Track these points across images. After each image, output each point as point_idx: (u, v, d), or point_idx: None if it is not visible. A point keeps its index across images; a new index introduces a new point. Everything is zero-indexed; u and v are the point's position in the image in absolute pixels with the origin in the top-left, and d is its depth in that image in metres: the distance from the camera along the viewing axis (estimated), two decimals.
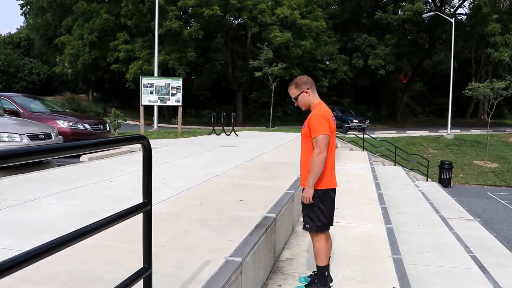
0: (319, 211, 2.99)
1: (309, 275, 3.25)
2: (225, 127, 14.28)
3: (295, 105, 3.20)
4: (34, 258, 1.28)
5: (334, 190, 3.09)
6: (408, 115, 39.04)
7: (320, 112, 3.01)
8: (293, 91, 3.12)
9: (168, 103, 14.97)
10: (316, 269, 3.12)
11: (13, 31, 60.48)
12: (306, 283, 3.16)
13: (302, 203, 3.05)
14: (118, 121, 15.81)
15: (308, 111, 3.14)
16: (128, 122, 22.44)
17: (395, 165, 15.45)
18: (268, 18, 29.15)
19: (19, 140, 6.99)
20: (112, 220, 1.66)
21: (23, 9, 41.83)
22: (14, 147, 6.27)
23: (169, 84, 14.69)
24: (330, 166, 3.03)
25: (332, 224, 3.14)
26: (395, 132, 25.05)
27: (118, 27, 31.46)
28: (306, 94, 3.08)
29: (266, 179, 5.47)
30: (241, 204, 4.12)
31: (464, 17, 35.56)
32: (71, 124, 9.50)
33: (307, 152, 3.01)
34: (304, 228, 3.10)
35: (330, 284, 3.16)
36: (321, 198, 2.98)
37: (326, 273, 3.07)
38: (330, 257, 3.13)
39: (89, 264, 2.50)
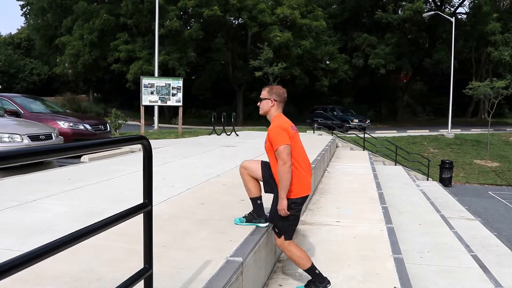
0: (293, 220, 3.04)
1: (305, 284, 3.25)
2: (225, 127, 14.28)
3: (258, 105, 3.25)
4: (36, 259, 1.28)
5: (307, 196, 3.11)
6: (408, 114, 39.03)
7: (277, 124, 3.04)
8: (263, 93, 3.20)
9: (169, 103, 14.98)
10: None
11: (14, 31, 60.57)
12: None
13: (276, 216, 3.05)
14: (119, 121, 15.82)
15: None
16: (129, 122, 22.45)
17: (395, 165, 15.45)
18: (268, 18, 29.15)
19: (20, 140, 6.99)
20: (112, 220, 1.66)
21: (24, 9, 41.94)
22: (15, 148, 6.28)
23: (169, 84, 14.70)
24: (305, 172, 3.06)
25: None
26: (395, 131, 25.04)
27: (118, 27, 31.48)
28: (270, 103, 3.13)
29: None
30: (242, 204, 4.12)
31: (464, 16, 35.56)
32: (71, 124, 9.51)
33: (275, 166, 3.05)
34: (274, 231, 3.11)
35: (261, 225, 3.33)
36: (296, 207, 3.02)
37: (317, 271, 3.08)
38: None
39: (90, 265, 2.50)
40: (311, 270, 3.07)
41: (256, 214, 3.33)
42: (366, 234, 4.48)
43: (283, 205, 2.94)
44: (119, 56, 30.55)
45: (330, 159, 10.54)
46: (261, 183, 3.27)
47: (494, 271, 4.71)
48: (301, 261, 3.04)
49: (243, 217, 3.40)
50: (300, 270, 3.47)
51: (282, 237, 3.05)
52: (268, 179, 3.17)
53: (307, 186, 3.09)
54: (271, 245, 3.48)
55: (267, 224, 3.28)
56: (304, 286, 3.14)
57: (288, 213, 2.96)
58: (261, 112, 3.21)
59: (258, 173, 3.22)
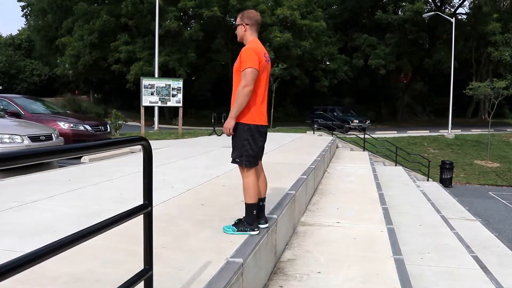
0: (248, 145, 3.03)
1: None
2: None
3: (235, 32, 3.26)
4: (36, 260, 1.28)
5: (263, 127, 3.12)
6: (408, 115, 39.03)
7: (253, 46, 3.04)
8: (237, 20, 3.24)
9: (169, 104, 14.98)
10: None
11: (14, 32, 60.59)
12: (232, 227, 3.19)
13: (237, 145, 3.08)
14: (119, 122, 15.83)
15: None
16: (129, 123, 22.44)
17: (396, 165, 15.44)
18: (268, 19, 29.15)
19: (20, 141, 7.00)
20: (113, 221, 1.66)
21: (24, 10, 41.94)
22: (16, 149, 6.26)
23: (169, 85, 14.70)
24: (260, 102, 3.07)
25: (260, 159, 3.20)
26: (395, 132, 25.03)
27: (118, 28, 31.50)
28: (243, 28, 3.15)
29: (267, 180, 5.44)
30: (242, 204, 4.10)
31: (465, 16, 35.58)
32: (72, 125, 9.52)
33: (237, 87, 3.03)
34: (233, 162, 3.12)
35: (261, 226, 3.20)
36: (250, 132, 3.02)
37: (255, 211, 3.11)
38: (265, 197, 3.25)
39: (90, 266, 2.50)
40: (250, 207, 3.10)
41: (247, 223, 3.17)
42: (366, 235, 4.47)
43: (230, 123, 2.99)
44: (119, 57, 30.56)
45: (330, 160, 10.54)
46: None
47: (495, 272, 4.70)
48: (248, 193, 3.09)
49: (233, 225, 3.23)
50: (301, 271, 3.47)
51: (239, 160, 3.07)
52: (240, 146, 3.10)
53: (262, 116, 3.11)
54: (271, 246, 3.48)
55: (258, 232, 3.15)
56: (233, 225, 3.18)
57: (233, 133, 3.01)
58: (238, 39, 3.22)
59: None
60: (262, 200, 3.25)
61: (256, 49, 3.02)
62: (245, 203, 3.14)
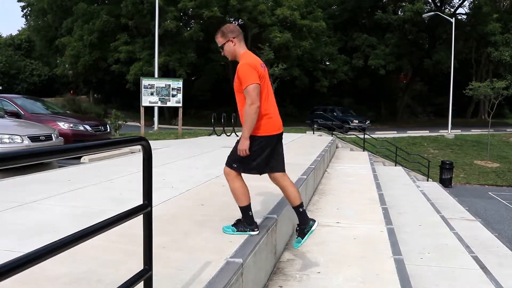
0: (257, 156, 2.98)
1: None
2: (225, 128, 14.28)
3: (222, 54, 3.16)
4: (35, 260, 1.28)
5: (275, 136, 3.04)
6: (408, 115, 39.05)
7: (247, 61, 2.95)
8: (219, 40, 3.08)
9: (169, 104, 14.98)
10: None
11: (14, 32, 60.50)
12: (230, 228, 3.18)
13: (234, 151, 3.03)
14: (119, 122, 15.82)
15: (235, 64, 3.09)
16: (129, 123, 22.44)
17: (395, 165, 15.45)
18: (268, 19, 29.15)
19: (20, 141, 7.00)
20: (112, 221, 1.66)
21: (24, 11, 41.92)
22: (15, 149, 6.26)
23: (169, 85, 14.70)
24: (269, 112, 3.01)
25: (280, 169, 3.14)
26: (395, 132, 25.04)
27: (118, 28, 31.50)
28: (231, 43, 3.05)
29: (267, 180, 5.44)
30: None
31: (464, 16, 35.59)
32: (71, 125, 9.52)
33: (243, 106, 2.97)
34: (229, 166, 3.06)
35: (313, 228, 3.17)
36: (260, 145, 2.98)
37: (250, 212, 3.10)
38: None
39: (89, 266, 2.50)
40: (245, 209, 3.09)
41: (247, 223, 3.15)
42: (366, 235, 4.47)
43: (244, 145, 2.91)
44: (119, 57, 30.56)
45: (330, 160, 10.54)
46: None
47: (494, 272, 4.70)
48: (239, 197, 3.06)
49: (232, 225, 3.20)
50: (300, 271, 3.47)
51: (230, 168, 3.03)
52: (240, 159, 3.04)
53: (276, 125, 3.05)
54: (271, 246, 3.48)
55: (258, 231, 3.14)
56: (232, 225, 3.17)
57: (248, 153, 2.93)
58: (229, 57, 3.12)
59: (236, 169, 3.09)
60: (300, 205, 3.17)
61: (251, 63, 2.93)
62: (239, 207, 3.14)
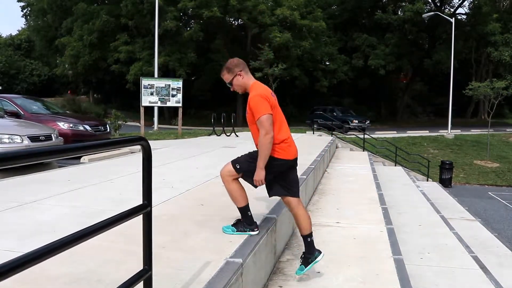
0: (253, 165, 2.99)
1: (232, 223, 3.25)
2: (225, 128, 14.28)
3: (232, 90, 3.16)
4: (35, 260, 1.28)
5: (285, 161, 3.03)
6: (408, 115, 39.04)
7: (257, 92, 2.96)
8: (226, 77, 3.09)
9: (168, 104, 14.98)
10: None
11: (14, 32, 60.52)
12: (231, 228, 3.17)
13: (247, 161, 3.04)
14: (119, 122, 15.83)
15: (247, 94, 3.11)
16: (129, 123, 22.45)
17: (395, 165, 15.45)
18: (268, 19, 29.15)
19: (20, 141, 7.00)
20: (112, 221, 1.66)
21: (24, 11, 41.92)
22: (15, 149, 6.25)
23: (169, 85, 14.70)
24: (285, 138, 3.02)
25: (290, 193, 3.11)
26: (395, 132, 25.04)
27: (118, 28, 31.50)
28: (239, 77, 3.06)
29: None
30: None
31: (464, 16, 35.58)
32: (71, 125, 9.52)
33: (257, 136, 2.99)
34: (234, 167, 3.05)
35: (318, 259, 3.16)
36: (275, 166, 2.99)
37: (249, 213, 3.11)
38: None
39: (89, 266, 2.50)
40: (244, 210, 3.10)
41: (246, 223, 3.14)
42: (366, 235, 4.48)
43: (260, 175, 2.93)
44: (119, 57, 30.56)
45: (330, 160, 10.54)
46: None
47: (494, 272, 4.71)
48: (236, 198, 3.08)
49: (232, 225, 3.20)
50: None
51: (232, 166, 3.04)
52: (249, 171, 3.03)
53: (292, 152, 3.06)
54: (271, 246, 3.48)
55: (257, 231, 3.15)
56: (232, 225, 3.18)
57: (264, 183, 2.97)
58: (240, 91, 3.13)
59: (237, 173, 3.08)
60: (310, 235, 3.15)
61: (262, 93, 2.94)
62: (238, 208, 3.15)
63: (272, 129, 2.89)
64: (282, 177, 3.09)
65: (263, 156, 2.89)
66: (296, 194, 3.15)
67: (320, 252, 3.18)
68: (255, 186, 3.08)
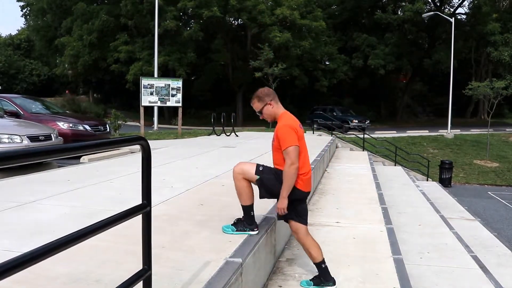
0: (275, 185, 3.02)
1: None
2: (225, 128, 14.28)
3: (261, 118, 3.22)
4: (34, 259, 1.28)
5: (301, 192, 3.06)
6: (408, 115, 39.05)
7: (286, 122, 3.02)
8: (256, 105, 3.15)
9: (168, 104, 14.97)
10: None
11: (14, 32, 60.52)
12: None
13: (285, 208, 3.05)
14: (118, 122, 15.82)
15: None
16: (129, 123, 22.44)
17: (395, 165, 15.45)
18: (268, 19, 29.15)
19: (19, 141, 6.99)
20: (111, 221, 1.66)
21: (24, 10, 41.88)
22: (15, 148, 6.27)
23: (169, 85, 14.69)
24: (305, 172, 3.06)
25: (303, 222, 3.15)
26: (395, 132, 25.03)
27: (117, 28, 31.50)
28: (270, 106, 3.11)
29: None
30: None
31: (464, 16, 35.58)
32: (71, 125, 9.51)
33: (280, 164, 3.05)
34: (256, 168, 3.08)
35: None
36: (297, 198, 3.04)
37: (252, 212, 3.14)
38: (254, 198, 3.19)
39: (88, 266, 2.50)
40: (248, 209, 3.13)
41: (247, 223, 3.15)
42: (366, 234, 4.48)
43: (283, 204, 2.96)
44: (118, 57, 30.56)
45: (329, 160, 10.54)
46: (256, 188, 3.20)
47: (494, 272, 4.71)
48: (245, 196, 3.09)
49: (232, 224, 3.21)
50: (300, 271, 3.47)
51: (256, 167, 3.07)
52: (266, 183, 3.08)
53: (308, 184, 3.13)
54: (271, 246, 3.48)
55: (257, 231, 3.15)
56: (232, 224, 3.19)
57: (287, 212, 2.99)
58: (269, 119, 3.19)
59: (254, 177, 3.11)
60: (252, 208, 3.17)
61: (290, 124, 3.00)
62: (241, 205, 3.16)
63: (297, 160, 2.94)
64: (295, 205, 3.11)
65: (286, 186, 2.93)
66: (306, 222, 3.18)
67: (334, 283, 3.12)
68: (278, 215, 3.10)
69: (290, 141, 2.92)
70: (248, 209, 3.13)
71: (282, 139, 2.96)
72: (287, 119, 3.07)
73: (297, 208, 3.10)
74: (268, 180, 3.07)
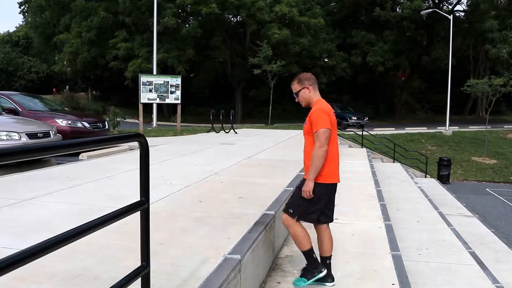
0: (306, 203, 3.01)
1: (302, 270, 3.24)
2: (224, 125, 14.27)
3: (296, 100, 3.23)
4: (33, 256, 1.28)
5: (334, 185, 3.09)
6: (406, 111, 39.04)
7: (321, 106, 3.05)
8: (295, 86, 3.19)
9: (167, 101, 14.94)
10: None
11: (12, 29, 60.22)
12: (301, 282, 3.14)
13: (295, 194, 3.05)
14: (117, 119, 15.80)
15: (308, 109, 3.17)
16: (127, 120, 22.39)
17: (394, 162, 15.46)
18: (267, 16, 29.08)
19: (18, 138, 6.98)
20: (109, 218, 1.66)
21: (22, 7, 41.68)
22: (13, 145, 6.24)
23: (168, 82, 14.66)
24: (331, 161, 3.04)
25: (330, 220, 3.18)
26: (393, 128, 25.04)
27: (116, 25, 31.39)
28: (307, 90, 3.15)
29: (265, 177, 5.47)
30: (240, 201, 4.12)
31: (462, 13, 35.60)
32: (70, 122, 9.49)
33: (310, 148, 3.03)
34: (286, 212, 3.08)
35: (328, 285, 3.13)
36: (319, 191, 3.00)
37: (314, 255, 3.11)
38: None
39: (87, 263, 2.50)
40: (309, 253, 3.09)
41: (313, 268, 3.10)
42: (364, 231, 4.49)
43: (309, 186, 2.95)
44: (117, 54, 30.47)
45: None
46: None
47: (491, 268, 4.73)
48: (299, 241, 3.06)
49: (301, 276, 3.15)
50: (299, 267, 3.48)
51: (287, 213, 3.06)
52: (297, 202, 3.06)
53: (337, 175, 3.11)
54: (269, 242, 3.48)
55: (326, 272, 3.10)
56: (301, 276, 3.16)
57: (312, 195, 2.96)
58: (303, 103, 3.19)
59: (295, 220, 3.07)
60: (328, 258, 3.17)
61: (324, 109, 3.02)
62: (302, 251, 3.11)
63: (327, 143, 2.94)
64: (326, 203, 3.10)
65: (314, 168, 2.93)
66: (330, 220, 3.19)
67: (333, 280, 3.16)
68: (298, 206, 3.06)
69: (323, 124, 2.93)
70: (309, 253, 3.08)
71: (314, 121, 2.97)
72: (322, 104, 3.09)
73: (324, 209, 3.08)
74: (302, 204, 3.03)
